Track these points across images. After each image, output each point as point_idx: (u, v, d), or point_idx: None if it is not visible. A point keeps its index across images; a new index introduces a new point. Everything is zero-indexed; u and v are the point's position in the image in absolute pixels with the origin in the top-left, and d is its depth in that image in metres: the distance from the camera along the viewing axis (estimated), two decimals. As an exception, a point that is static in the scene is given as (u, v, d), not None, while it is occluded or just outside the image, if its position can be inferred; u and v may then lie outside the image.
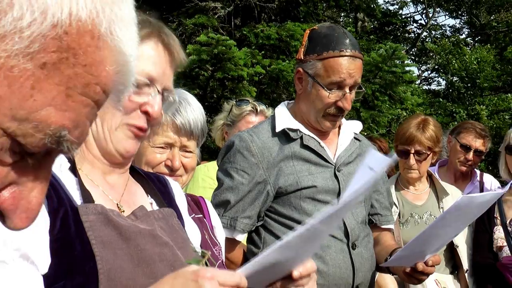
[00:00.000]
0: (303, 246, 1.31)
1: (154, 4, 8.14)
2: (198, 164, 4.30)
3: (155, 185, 1.49)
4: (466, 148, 4.05)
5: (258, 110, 3.46)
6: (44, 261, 1.17)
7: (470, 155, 4.05)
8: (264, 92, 8.85)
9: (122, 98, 0.67)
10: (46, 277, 1.17)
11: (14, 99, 0.56)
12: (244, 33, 9.25)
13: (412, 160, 3.31)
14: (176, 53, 1.38)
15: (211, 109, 8.72)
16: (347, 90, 2.30)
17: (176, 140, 2.00)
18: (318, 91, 2.30)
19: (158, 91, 1.34)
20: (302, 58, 2.34)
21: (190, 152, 2.16)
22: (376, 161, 1.48)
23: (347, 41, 2.30)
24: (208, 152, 7.74)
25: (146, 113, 1.32)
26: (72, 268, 1.18)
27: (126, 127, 1.32)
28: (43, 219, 1.20)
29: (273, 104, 8.59)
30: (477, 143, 4.05)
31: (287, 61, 8.82)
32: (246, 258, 2.37)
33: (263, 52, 8.90)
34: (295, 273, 1.32)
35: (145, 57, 1.32)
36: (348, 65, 2.28)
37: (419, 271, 2.22)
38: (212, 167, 3.43)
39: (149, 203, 1.43)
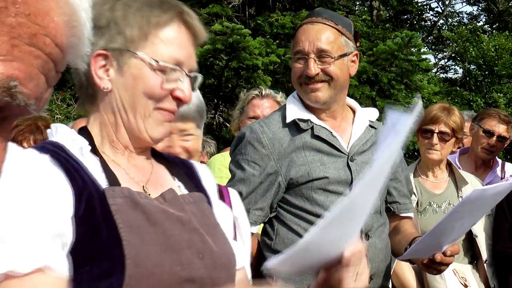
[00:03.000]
0: (344, 225, 1.27)
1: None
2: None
3: (181, 169, 1.46)
4: (489, 133, 4.00)
5: (263, 93, 3.43)
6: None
7: (493, 141, 4.00)
8: (279, 82, 8.80)
9: (80, 53, 0.65)
10: (71, 262, 1.14)
11: None
12: (259, 22, 9.21)
13: (436, 139, 3.28)
14: (198, 32, 1.36)
15: (226, 98, 8.71)
16: (311, 56, 2.26)
17: (172, 127, 1.97)
18: (292, 66, 2.35)
19: (186, 74, 1.33)
20: None
21: (191, 134, 2.13)
22: (399, 119, 1.47)
23: (315, 12, 2.36)
24: (224, 142, 7.73)
25: (177, 98, 1.32)
26: (98, 253, 1.15)
27: (158, 112, 1.31)
28: (67, 202, 1.17)
29: (288, 93, 8.54)
30: (500, 129, 4.00)
31: (302, 50, 8.75)
32: (260, 249, 2.35)
33: (277, 41, 8.85)
34: (347, 253, 1.28)
35: (170, 41, 1.30)
36: (305, 31, 2.30)
37: (438, 262, 2.18)
38: (228, 156, 3.42)
39: (177, 187, 1.40)
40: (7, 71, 0.57)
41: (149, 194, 1.31)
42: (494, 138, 4.00)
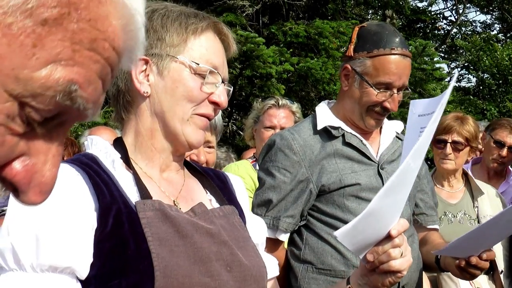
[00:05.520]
0: (397, 195, 1.37)
1: (182, 2, 8.17)
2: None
3: (214, 181, 1.47)
4: (500, 144, 3.97)
5: (280, 103, 3.46)
6: (83, 266, 1.16)
7: (504, 152, 3.96)
8: (292, 90, 8.83)
9: (134, 57, 0.66)
10: (99, 276, 1.16)
11: (16, 58, 0.55)
12: (272, 31, 9.24)
13: (449, 149, 3.27)
14: (231, 44, 1.40)
15: (240, 107, 8.74)
16: (395, 91, 2.24)
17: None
18: (366, 89, 2.25)
19: (222, 80, 1.35)
20: (352, 55, 2.28)
21: (212, 147, 2.18)
22: (423, 106, 1.55)
23: (397, 39, 2.24)
24: (237, 150, 7.75)
25: (214, 103, 1.34)
26: (126, 266, 1.16)
27: (196, 117, 1.33)
28: (87, 220, 1.18)
29: (302, 102, 8.58)
30: None
31: (315, 59, 8.78)
32: (288, 259, 2.33)
33: (291, 50, 8.87)
34: (393, 232, 1.38)
35: (207, 47, 1.34)
36: (398, 65, 2.23)
37: (473, 265, 2.17)
38: (242, 166, 3.44)
39: (208, 200, 1.41)
40: (68, 76, 0.57)
41: (180, 208, 1.32)
42: (505, 149, 3.97)
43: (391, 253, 1.38)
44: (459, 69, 21.13)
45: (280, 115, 3.43)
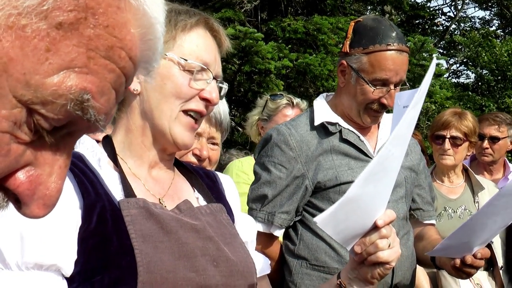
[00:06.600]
0: (379, 184, 1.33)
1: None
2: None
3: (203, 180, 1.46)
4: (480, 137, 3.97)
5: (294, 103, 3.49)
6: (68, 264, 1.15)
7: (485, 143, 3.97)
8: (291, 86, 8.82)
9: (151, 68, 0.63)
10: (82, 272, 1.16)
11: (28, 62, 0.52)
12: (271, 27, 9.22)
13: (448, 144, 3.27)
14: (223, 41, 1.39)
15: (239, 103, 8.72)
16: (392, 87, 2.21)
17: (205, 130, 1.99)
18: (362, 86, 2.22)
19: (213, 76, 1.33)
20: (348, 51, 2.25)
21: (217, 144, 2.17)
22: (407, 97, 1.52)
23: (394, 34, 2.21)
24: (236, 146, 7.74)
25: (205, 99, 1.32)
26: (109, 262, 1.16)
27: (185, 117, 1.31)
28: (71, 218, 1.17)
29: (300, 98, 8.56)
30: (491, 130, 3.96)
31: (314, 55, 8.77)
32: (283, 254, 2.33)
33: (290, 46, 8.86)
34: (379, 222, 1.36)
35: (196, 44, 1.33)
36: (394, 61, 2.19)
37: (468, 264, 2.16)
38: (246, 162, 3.43)
39: (195, 198, 1.40)
40: (81, 84, 0.54)
41: (165, 206, 1.31)
42: (486, 140, 3.97)
43: (378, 244, 1.36)
44: (457, 65, 21.14)
45: (293, 114, 3.43)
